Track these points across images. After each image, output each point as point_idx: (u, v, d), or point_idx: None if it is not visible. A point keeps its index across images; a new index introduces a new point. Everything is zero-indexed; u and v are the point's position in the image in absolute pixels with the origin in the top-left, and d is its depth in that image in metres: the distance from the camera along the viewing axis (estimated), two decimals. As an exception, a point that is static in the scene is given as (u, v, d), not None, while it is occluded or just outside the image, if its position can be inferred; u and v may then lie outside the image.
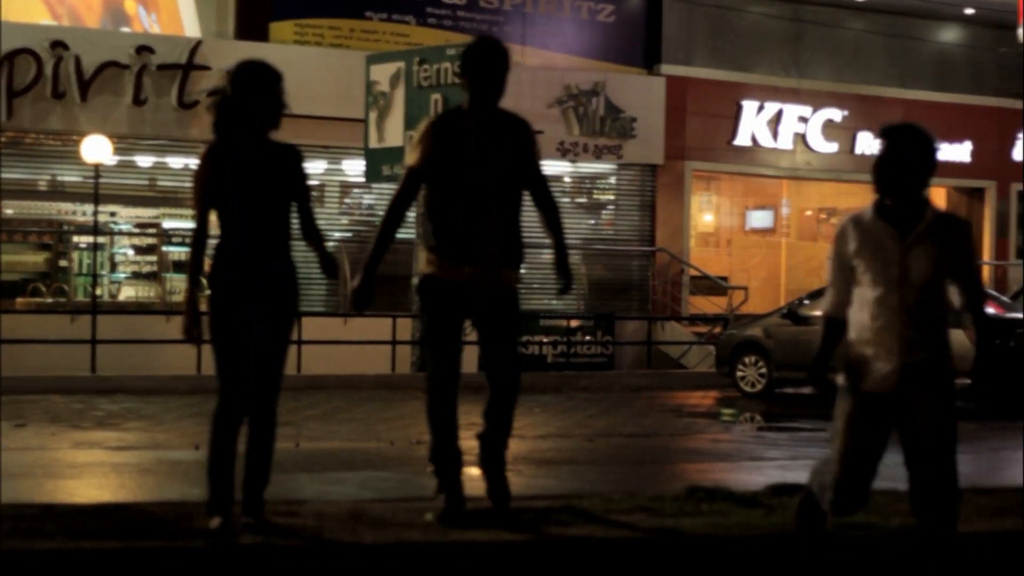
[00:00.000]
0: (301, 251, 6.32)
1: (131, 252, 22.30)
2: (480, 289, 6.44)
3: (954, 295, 5.58)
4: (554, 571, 6.04)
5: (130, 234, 22.31)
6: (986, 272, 18.42)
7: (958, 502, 5.54)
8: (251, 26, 22.08)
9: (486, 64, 6.48)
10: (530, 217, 6.67)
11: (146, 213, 22.23)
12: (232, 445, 6.06)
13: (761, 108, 25.89)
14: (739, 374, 18.71)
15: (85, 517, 6.25)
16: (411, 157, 6.55)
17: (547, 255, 6.77)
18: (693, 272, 24.92)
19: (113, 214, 21.81)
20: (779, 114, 26.05)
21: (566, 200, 24.96)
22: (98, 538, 5.80)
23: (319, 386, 17.22)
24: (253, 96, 6.05)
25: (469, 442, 6.65)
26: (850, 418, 5.56)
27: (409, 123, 18.72)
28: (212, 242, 6.12)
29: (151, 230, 22.27)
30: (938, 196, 27.07)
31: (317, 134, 20.35)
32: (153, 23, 22.37)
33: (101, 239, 20.77)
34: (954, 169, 27.16)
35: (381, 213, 6.92)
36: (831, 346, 5.67)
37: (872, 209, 5.53)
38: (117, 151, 19.87)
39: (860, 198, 19.74)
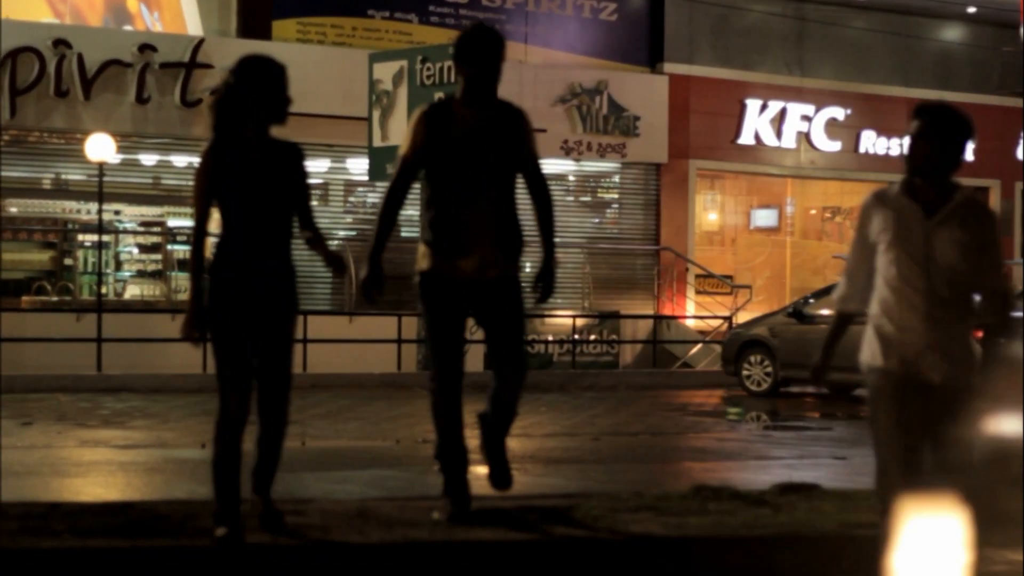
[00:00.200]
0: (305, 250, 6.22)
1: (136, 250, 22.29)
2: (477, 282, 6.30)
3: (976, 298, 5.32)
4: (561, 570, 6.03)
5: (135, 232, 22.31)
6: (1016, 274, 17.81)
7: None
8: (254, 24, 22.08)
9: (480, 51, 6.29)
10: (530, 217, 6.54)
11: (150, 211, 22.24)
12: (236, 452, 5.95)
13: (764, 107, 25.87)
14: (745, 373, 18.71)
15: (91, 515, 6.22)
16: (403, 147, 6.42)
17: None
18: (698, 271, 24.91)
19: (117, 212, 21.82)
20: (782, 113, 26.03)
21: (570, 199, 24.97)
22: (104, 537, 5.78)
23: (325, 385, 17.23)
24: (255, 90, 5.91)
25: (475, 441, 6.57)
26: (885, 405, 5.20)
27: (412, 122, 18.72)
28: (212, 241, 6.01)
29: (155, 228, 22.27)
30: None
31: (320, 133, 20.36)
32: (156, 22, 22.36)
33: (106, 237, 20.77)
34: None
35: (383, 211, 6.77)
36: (833, 343, 5.43)
37: (899, 186, 5.29)
38: (120, 149, 19.85)
39: (864, 197, 19.68)
